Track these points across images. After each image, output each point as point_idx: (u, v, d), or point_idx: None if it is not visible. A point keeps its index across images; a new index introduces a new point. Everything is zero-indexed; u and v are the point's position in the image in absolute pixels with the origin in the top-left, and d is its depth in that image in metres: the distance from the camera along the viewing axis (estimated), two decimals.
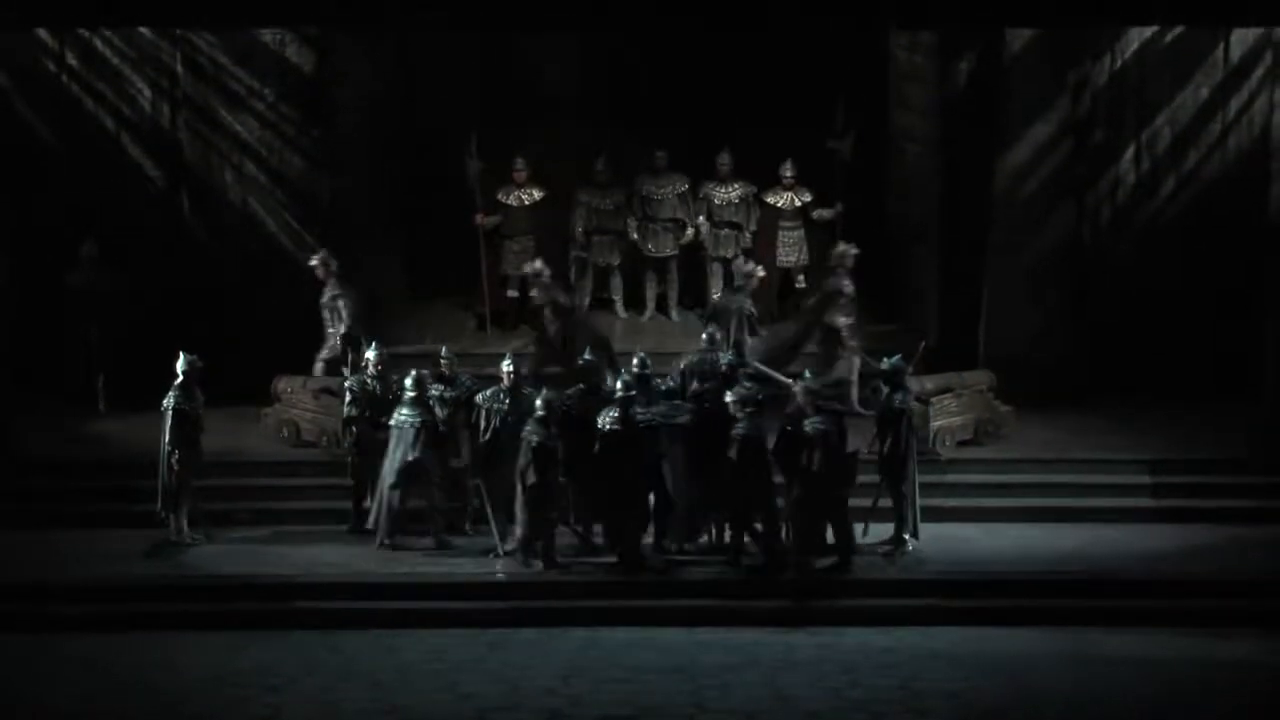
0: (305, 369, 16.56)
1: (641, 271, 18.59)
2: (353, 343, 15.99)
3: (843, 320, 16.74)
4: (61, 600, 13.57)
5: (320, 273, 16.72)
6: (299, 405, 16.15)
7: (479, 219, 17.95)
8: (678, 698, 11.80)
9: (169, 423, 14.35)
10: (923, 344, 16.07)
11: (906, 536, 14.17)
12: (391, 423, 14.37)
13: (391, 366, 15.05)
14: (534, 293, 16.67)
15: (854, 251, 16.86)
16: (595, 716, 11.47)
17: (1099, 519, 14.95)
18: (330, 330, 16.75)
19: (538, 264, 16.70)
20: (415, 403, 14.31)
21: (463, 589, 13.70)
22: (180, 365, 14.56)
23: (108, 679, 12.31)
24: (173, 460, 14.32)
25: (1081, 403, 16.97)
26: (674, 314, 18.47)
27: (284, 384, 16.30)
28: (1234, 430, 15.95)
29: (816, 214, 18.11)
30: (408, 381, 14.39)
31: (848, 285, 16.80)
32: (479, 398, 14.31)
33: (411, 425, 14.24)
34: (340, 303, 16.68)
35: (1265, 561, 14.02)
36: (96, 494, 15.26)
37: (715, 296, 17.57)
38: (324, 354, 16.72)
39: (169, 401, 14.41)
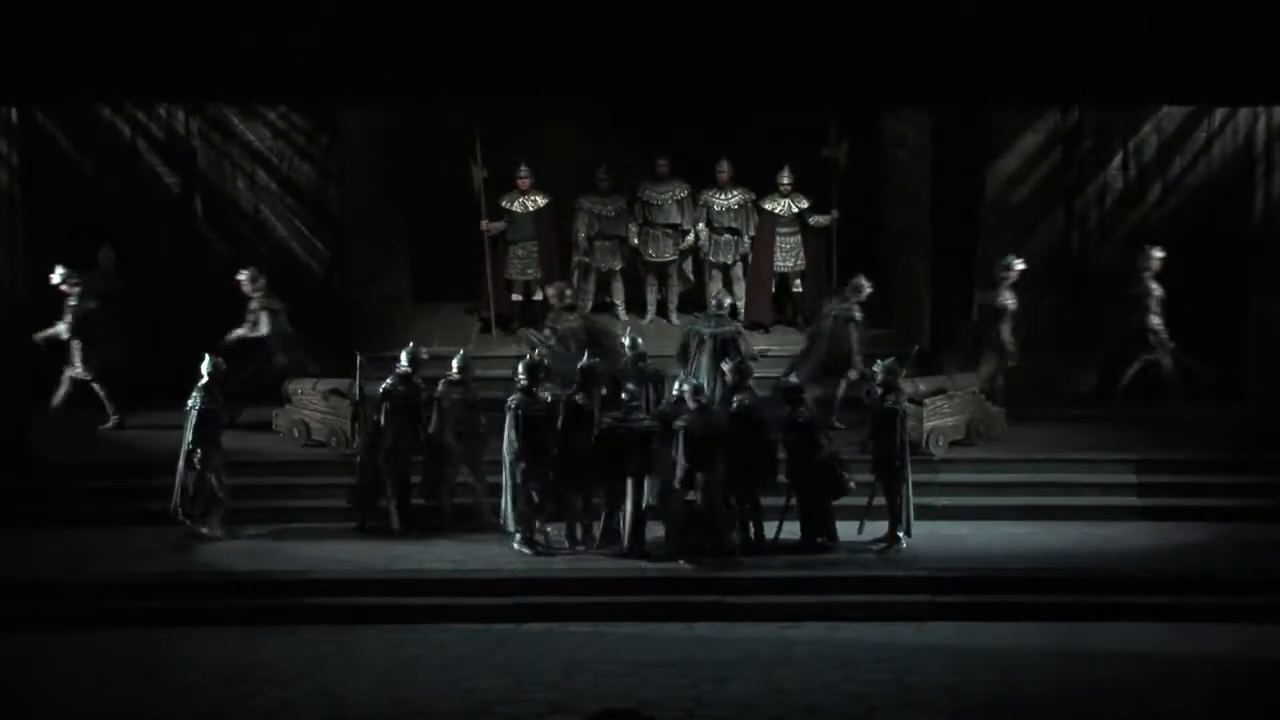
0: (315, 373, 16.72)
1: (643, 276, 18.68)
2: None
3: (1155, 321, 16.85)
4: (78, 597, 13.68)
5: (64, 287, 16.66)
6: (309, 406, 16.31)
7: (484, 225, 18.06)
8: (677, 692, 11.89)
9: (193, 422, 14.54)
10: (915, 348, 16.36)
11: (900, 534, 14.27)
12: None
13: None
14: (253, 301, 16.76)
15: (1159, 254, 16.87)
16: (596, 710, 11.51)
17: (1087, 517, 15.06)
18: (63, 326, 16.71)
19: (253, 270, 16.82)
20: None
21: (468, 585, 13.80)
22: (205, 367, 14.78)
23: (122, 673, 12.45)
24: (195, 459, 14.49)
25: (1071, 405, 17.08)
26: (674, 317, 18.49)
27: (294, 386, 16.49)
28: (1219, 431, 16.07)
29: (813, 220, 18.14)
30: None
31: (1156, 289, 16.87)
32: (510, 400, 14.37)
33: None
34: (75, 311, 16.70)
35: (1249, 558, 14.12)
36: (112, 494, 15.38)
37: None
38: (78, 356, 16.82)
39: (194, 401, 14.60)
